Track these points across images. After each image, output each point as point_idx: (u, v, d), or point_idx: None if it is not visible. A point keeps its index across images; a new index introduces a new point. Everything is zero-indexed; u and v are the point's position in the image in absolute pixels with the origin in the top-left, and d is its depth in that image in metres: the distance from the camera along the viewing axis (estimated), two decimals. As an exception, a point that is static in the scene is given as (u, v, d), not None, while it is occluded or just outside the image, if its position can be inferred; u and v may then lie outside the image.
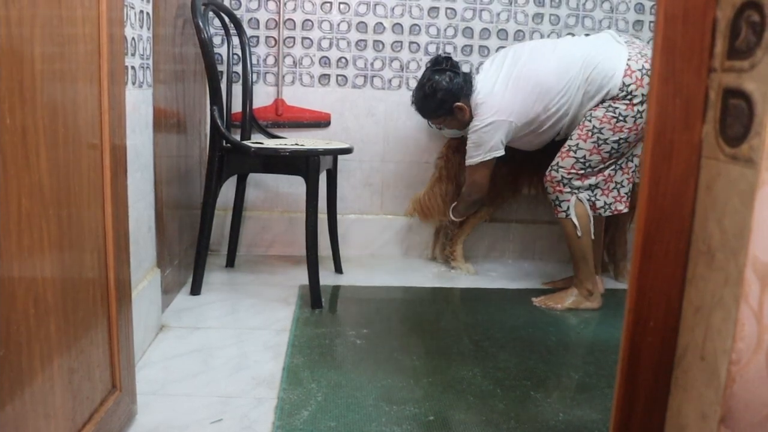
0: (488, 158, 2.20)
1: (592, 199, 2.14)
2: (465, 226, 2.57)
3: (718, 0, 0.70)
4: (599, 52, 2.07)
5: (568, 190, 2.12)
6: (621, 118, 2.03)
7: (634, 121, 2.03)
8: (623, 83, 2.01)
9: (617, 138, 2.05)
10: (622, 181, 2.15)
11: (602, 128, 2.05)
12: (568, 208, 2.12)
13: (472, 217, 2.55)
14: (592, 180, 2.12)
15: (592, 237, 2.14)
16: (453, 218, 2.51)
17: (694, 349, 0.72)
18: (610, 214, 2.17)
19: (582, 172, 2.10)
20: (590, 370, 1.70)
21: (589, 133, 2.06)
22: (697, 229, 0.73)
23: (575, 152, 2.09)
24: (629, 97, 2.02)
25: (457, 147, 2.51)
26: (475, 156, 2.22)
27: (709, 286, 0.70)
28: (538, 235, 2.78)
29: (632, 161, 2.16)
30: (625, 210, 2.17)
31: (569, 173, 2.11)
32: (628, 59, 2.02)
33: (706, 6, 0.70)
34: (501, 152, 2.19)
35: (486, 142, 2.17)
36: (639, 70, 2.01)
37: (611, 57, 2.05)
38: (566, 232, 2.15)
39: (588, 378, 1.66)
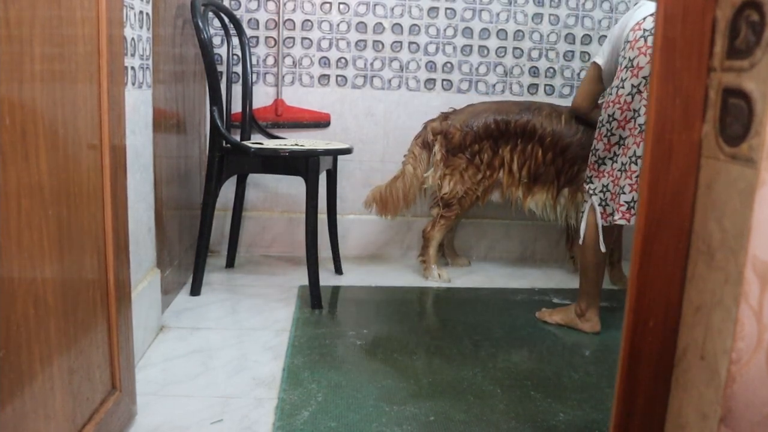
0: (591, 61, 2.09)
1: (603, 204, 1.90)
2: (434, 230, 2.46)
3: (718, 0, 0.70)
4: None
5: (590, 192, 1.94)
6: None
7: (616, 92, 1.81)
8: (626, 36, 1.82)
9: (606, 115, 1.85)
10: (624, 187, 1.84)
11: None
12: (584, 210, 1.96)
13: (439, 225, 2.45)
14: (605, 179, 1.89)
15: (603, 250, 1.90)
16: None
17: (694, 348, 0.72)
18: (611, 224, 1.89)
19: (597, 167, 1.91)
20: (590, 370, 1.70)
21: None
22: (697, 229, 0.73)
23: (592, 144, 1.95)
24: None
25: (423, 143, 2.44)
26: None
27: (709, 286, 0.70)
28: (538, 235, 2.78)
29: (636, 164, 1.82)
30: (623, 223, 1.83)
31: (590, 171, 1.94)
32: (652, 14, 1.73)
33: (705, 6, 0.70)
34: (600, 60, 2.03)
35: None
36: (644, 29, 1.76)
37: (645, 5, 1.82)
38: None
39: (588, 378, 1.66)
